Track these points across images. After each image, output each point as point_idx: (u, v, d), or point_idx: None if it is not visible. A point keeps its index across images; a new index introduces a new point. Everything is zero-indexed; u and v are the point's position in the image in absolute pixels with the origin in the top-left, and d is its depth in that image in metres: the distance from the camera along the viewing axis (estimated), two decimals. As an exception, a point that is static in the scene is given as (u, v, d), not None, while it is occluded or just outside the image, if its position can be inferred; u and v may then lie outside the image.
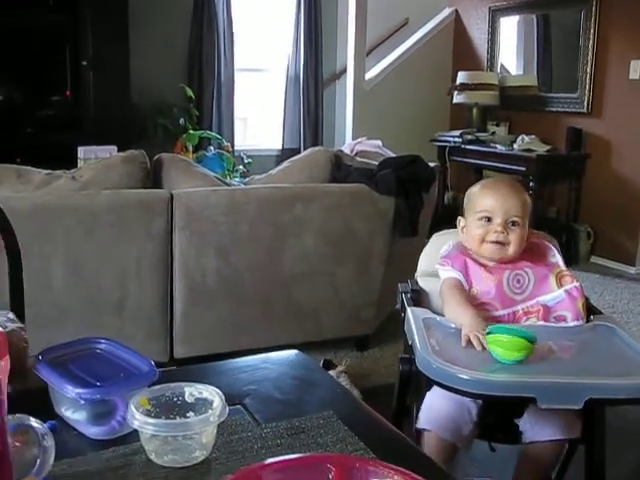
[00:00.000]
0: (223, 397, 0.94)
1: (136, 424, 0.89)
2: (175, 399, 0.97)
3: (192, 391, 0.97)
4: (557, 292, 1.83)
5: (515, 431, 1.84)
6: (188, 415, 0.95)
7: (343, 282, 3.34)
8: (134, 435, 0.94)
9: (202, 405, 0.95)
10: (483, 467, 2.61)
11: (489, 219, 1.86)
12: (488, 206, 1.87)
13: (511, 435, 1.86)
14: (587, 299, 1.91)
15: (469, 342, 1.62)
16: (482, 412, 1.81)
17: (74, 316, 2.93)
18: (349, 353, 3.55)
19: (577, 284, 1.84)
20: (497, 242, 1.84)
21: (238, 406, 1.07)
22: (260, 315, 3.25)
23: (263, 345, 2.93)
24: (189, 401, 0.97)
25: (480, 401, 1.80)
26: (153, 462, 0.91)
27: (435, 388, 1.80)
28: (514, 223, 1.85)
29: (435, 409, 1.81)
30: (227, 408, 0.93)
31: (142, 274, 2.96)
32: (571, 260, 5.46)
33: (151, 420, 0.89)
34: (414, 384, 1.91)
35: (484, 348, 1.58)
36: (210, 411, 0.91)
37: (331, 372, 3.17)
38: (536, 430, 1.80)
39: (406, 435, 1.85)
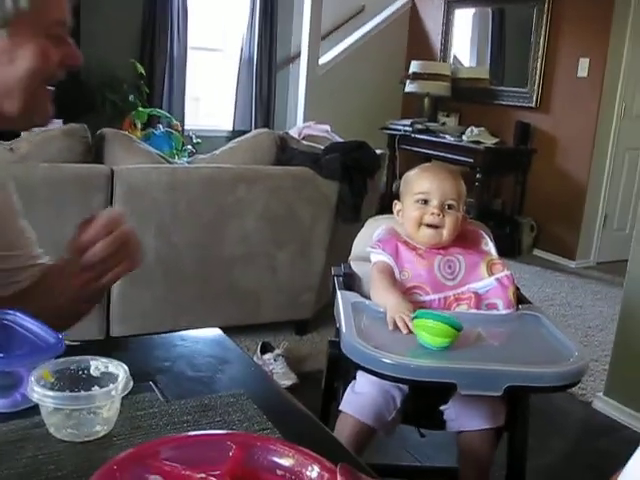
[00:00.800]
0: (128, 371, 0.92)
1: (35, 397, 0.87)
2: (80, 372, 0.95)
3: (98, 365, 0.95)
4: (488, 280, 1.84)
5: (440, 418, 1.86)
6: (93, 389, 0.93)
7: (283, 265, 3.34)
8: (38, 409, 0.91)
9: (108, 380, 0.93)
10: (415, 452, 2.64)
11: (425, 201, 1.87)
12: (425, 188, 1.87)
13: (436, 422, 1.88)
14: (517, 289, 1.93)
15: (395, 325, 1.62)
16: (407, 398, 1.82)
17: (7, 291, 2.87)
18: (288, 337, 3.55)
19: (508, 272, 1.85)
20: (432, 225, 1.85)
21: (149, 382, 1.05)
22: (199, 295, 3.23)
23: (201, 326, 2.90)
24: (94, 375, 0.95)
25: (405, 388, 1.81)
26: (52, 436, 0.89)
27: (360, 373, 1.81)
28: (450, 206, 1.86)
29: (358, 393, 1.82)
30: (131, 382, 0.91)
31: (79, 250, 2.91)
32: (514, 252, 5.55)
33: (50, 393, 0.87)
34: (342, 368, 1.92)
35: (410, 330, 1.58)
36: (112, 385, 0.89)
37: (268, 355, 3.17)
38: (462, 420, 1.81)
39: (333, 418, 1.87)
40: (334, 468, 0.69)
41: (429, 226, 1.85)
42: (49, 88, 1.15)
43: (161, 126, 5.67)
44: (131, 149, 3.15)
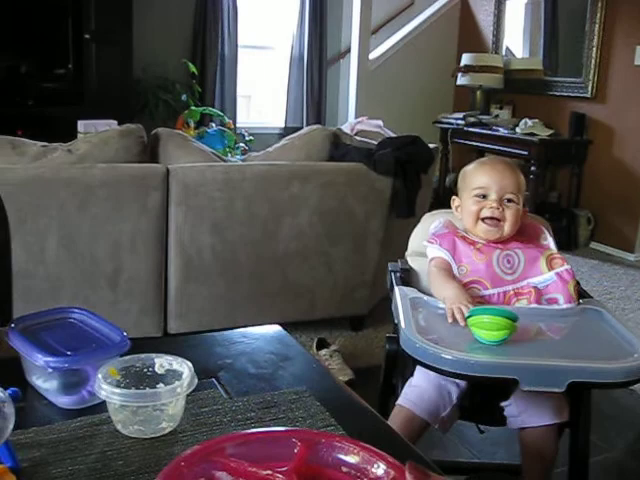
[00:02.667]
0: (192, 368, 0.93)
1: (103, 394, 0.89)
2: (145, 370, 0.97)
3: (162, 362, 0.97)
4: (548, 274, 1.81)
5: (500, 414, 1.84)
6: (158, 386, 0.94)
7: (338, 262, 3.34)
8: (104, 405, 0.93)
9: (172, 377, 0.95)
10: (474, 449, 2.62)
11: (484, 196, 1.85)
12: (483, 183, 1.85)
13: (497, 418, 1.86)
14: (578, 283, 1.90)
15: (453, 317, 1.61)
16: (465, 394, 1.81)
17: (67, 290, 2.93)
18: (343, 333, 3.55)
19: (568, 267, 1.82)
20: (492, 218, 1.82)
21: (212, 379, 1.06)
22: (255, 292, 3.25)
23: (257, 322, 2.92)
24: (159, 372, 0.96)
25: (462, 383, 1.79)
26: (119, 432, 0.91)
27: (419, 368, 1.80)
28: (510, 200, 1.84)
29: (415, 388, 1.81)
30: (196, 379, 0.92)
31: (137, 249, 2.96)
32: (571, 245, 5.46)
33: (118, 390, 0.89)
34: (400, 363, 1.91)
35: (467, 322, 1.57)
36: (177, 382, 0.90)
37: (324, 351, 3.18)
38: (525, 417, 1.79)
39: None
40: (400, 465, 0.69)
41: (488, 220, 1.83)
42: None
43: (214, 124, 5.72)
44: (186, 148, 3.18)
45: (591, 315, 1.74)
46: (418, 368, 1.81)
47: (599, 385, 1.56)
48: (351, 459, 0.77)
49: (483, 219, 1.84)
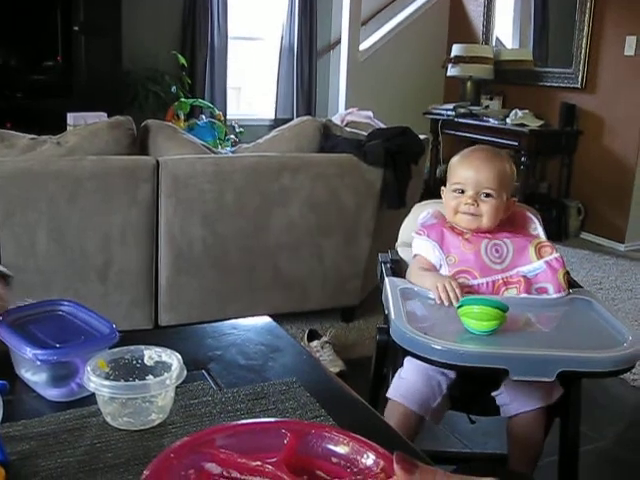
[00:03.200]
0: (181, 360, 0.93)
1: (92, 386, 0.89)
2: (134, 362, 0.96)
3: (151, 354, 0.96)
4: (537, 263, 1.81)
5: (492, 404, 1.85)
6: (147, 378, 0.94)
7: (329, 253, 3.34)
8: (93, 398, 0.93)
9: (162, 368, 0.95)
10: (465, 439, 2.63)
11: (462, 191, 1.86)
12: (461, 178, 1.87)
13: (487, 408, 1.87)
14: (568, 272, 1.90)
15: (441, 298, 1.63)
16: (455, 384, 1.81)
17: (58, 283, 2.92)
18: (335, 324, 3.56)
19: (557, 255, 1.82)
20: (469, 213, 1.84)
21: (201, 371, 1.06)
22: (246, 284, 3.25)
23: (248, 314, 2.92)
24: (148, 364, 0.96)
25: (451, 373, 1.80)
26: (109, 424, 0.91)
27: (408, 359, 1.81)
28: (487, 195, 1.84)
29: (404, 380, 1.82)
30: (185, 371, 0.92)
31: (127, 241, 2.95)
32: (561, 236, 5.47)
33: (107, 382, 0.89)
34: (391, 354, 1.92)
35: (457, 297, 1.59)
36: (167, 374, 0.90)
37: (315, 342, 3.18)
38: (516, 405, 1.80)
39: (382, 405, 1.87)
40: (389, 455, 0.69)
41: (465, 213, 1.85)
42: None
43: (204, 116, 5.70)
44: (176, 140, 3.17)
45: (581, 305, 1.74)
46: (407, 360, 1.82)
47: (588, 374, 1.57)
48: (341, 450, 0.78)
49: (460, 212, 1.86)
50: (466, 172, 1.86)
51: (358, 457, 0.76)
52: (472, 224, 1.85)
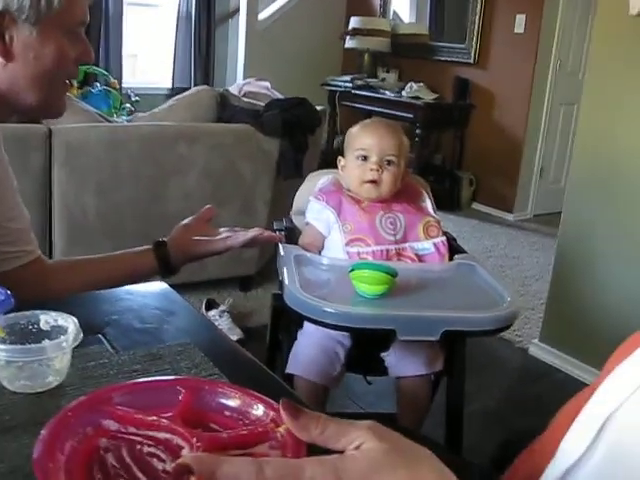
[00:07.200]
0: (77, 323, 0.95)
1: (-13, 350, 0.90)
2: (30, 327, 0.97)
3: (47, 319, 0.97)
4: (426, 242, 1.89)
5: (383, 364, 1.93)
6: (43, 342, 0.95)
7: (226, 222, 3.26)
8: (-12, 363, 0.93)
9: (58, 332, 0.96)
10: (359, 400, 2.72)
11: (365, 157, 1.91)
12: (365, 145, 1.92)
13: (380, 368, 1.95)
14: (454, 239, 2.01)
15: None
16: (350, 349, 1.89)
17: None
18: (232, 293, 3.59)
19: (443, 238, 1.91)
20: (372, 181, 1.89)
21: (97, 335, 1.08)
22: (142, 254, 3.23)
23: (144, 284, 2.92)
24: (44, 329, 0.97)
25: (347, 342, 1.87)
26: (6, 389, 0.91)
27: (300, 333, 1.87)
28: (389, 162, 1.91)
29: (302, 354, 1.88)
30: (81, 334, 0.94)
31: (19, 210, 2.88)
32: (453, 206, 5.66)
33: (3, 346, 0.89)
34: (286, 319, 1.97)
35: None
36: (63, 337, 0.92)
37: (213, 311, 3.21)
38: (401, 366, 1.89)
39: (279, 368, 1.93)
40: (278, 406, 0.73)
41: (368, 182, 1.90)
42: (66, 83, 1.26)
43: (98, 84, 5.56)
44: (69, 107, 3.09)
45: (465, 269, 1.84)
46: (301, 334, 1.88)
47: (470, 333, 1.67)
48: (232, 403, 0.81)
49: (365, 181, 1.91)
50: (370, 139, 1.91)
51: (249, 409, 0.80)
52: (373, 193, 1.90)
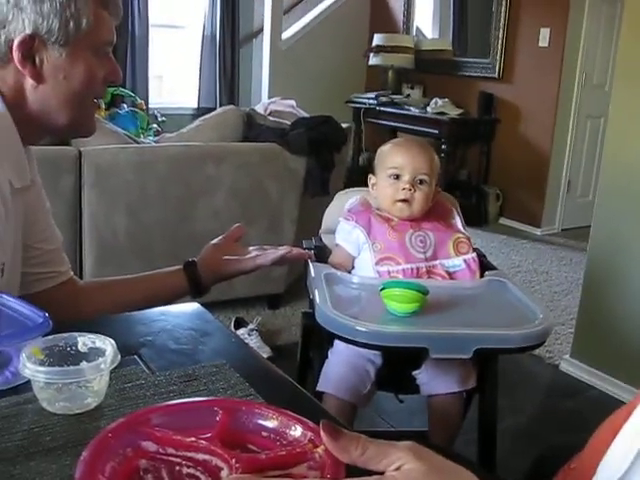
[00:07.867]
0: (115, 345, 0.96)
1: (27, 372, 0.91)
2: (68, 349, 0.98)
3: (85, 341, 0.99)
4: (456, 259, 1.88)
5: (414, 382, 1.93)
6: (81, 364, 0.96)
7: (254, 241, 3.31)
8: (28, 385, 0.95)
9: (95, 354, 0.97)
10: (389, 418, 2.71)
11: (398, 176, 1.91)
12: (397, 163, 1.91)
13: (412, 387, 1.94)
14: (484, 256, 2.00)
15: None
16: (381, 367, 1.89)
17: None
18: (261, 312, 3.60)
19: (474, 254, 1.90)
20: (404, 200, 1.89)
21: (133, 356, 1.09)
22: (171, 274, 3.25)
23: (177, 304, 2.94)
24: (82, 350, 0.98)
25: (377, 360, 1.87)
26: (45, 410, 0.93)
27: (332, 352, 1.88)
28: (422, 182, 1.90)
29: (332, 372, 1.88)
30: (119, 356, 0.95)
31: (50, 232, 2.92)
32: (481, 221, 5.64)
33: (42, 368, 0.91)
34: (316, 338, 1.97)
35: None
36: (101, 359, 0.93)
37: (241, 330, 3.22)
38: (433, 384, 1.89)
39: (310, 386, 1.93)
40: (316, 427, 0.74)
41: (400, 201, 1.90)
42: (95, 102, 1.29)
43: (125, 105, 5.63)
44: (98, 130, 3.13)
45: (496, 286, 1.83)
46: (332, 353, 1.88)
47: (503, 350, 1.66)
48: (270, 424, 0.82)
49: (397, 200, 1.91)
50: (402, 158, 1.91)
51: (287, 430, 0.80)
52: (405, 212, 1.90)
